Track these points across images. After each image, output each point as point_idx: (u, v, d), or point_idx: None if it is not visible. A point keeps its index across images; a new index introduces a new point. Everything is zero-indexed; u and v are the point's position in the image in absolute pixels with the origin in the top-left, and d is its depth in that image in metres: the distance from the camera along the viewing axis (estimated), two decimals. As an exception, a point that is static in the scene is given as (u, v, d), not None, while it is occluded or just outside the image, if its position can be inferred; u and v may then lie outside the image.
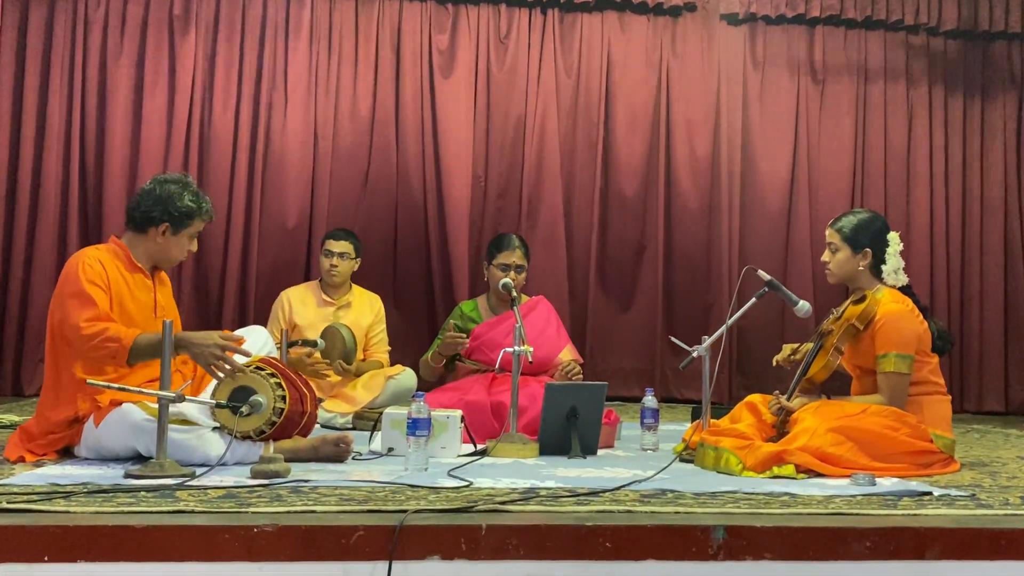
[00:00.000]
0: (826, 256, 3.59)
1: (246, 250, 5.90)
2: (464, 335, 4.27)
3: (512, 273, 4.32)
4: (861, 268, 3.50)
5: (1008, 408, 6.31)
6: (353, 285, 4.88)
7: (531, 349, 3.60)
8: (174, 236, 3.24)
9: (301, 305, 4.77)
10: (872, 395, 3.39)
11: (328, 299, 4.79)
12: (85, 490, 2.46)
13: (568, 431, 3.47)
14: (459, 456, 3.36)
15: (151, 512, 2.21)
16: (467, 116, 6.08)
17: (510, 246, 4.40)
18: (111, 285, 3.12)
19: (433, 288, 6.05)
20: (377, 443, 3.44)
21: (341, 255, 4.77)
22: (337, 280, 4.77)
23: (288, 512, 2.24)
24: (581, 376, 4.23)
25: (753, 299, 3.60)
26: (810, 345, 3.55)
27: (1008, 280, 6.41)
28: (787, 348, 3.71)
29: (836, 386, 3.60)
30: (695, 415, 4.63)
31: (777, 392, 3.45)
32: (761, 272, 3.63)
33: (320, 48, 6.01)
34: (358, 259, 4.87)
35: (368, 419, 4.18)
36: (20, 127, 5.76)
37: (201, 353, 2.94)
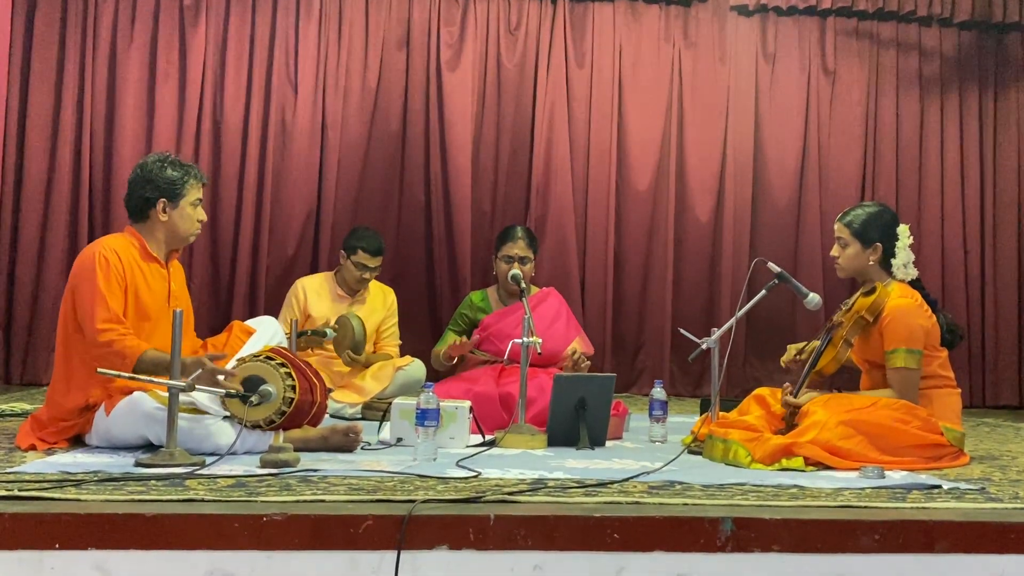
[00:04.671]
0: (835, 251, 3.57)
1: (256, 239, 5.91)
2: (464, 338, 4.25)
3: (516, 264, 4.32)
4: (871, 263, 3.49)
5: (1022, 402, 6.29)
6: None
7: (540, 340, 3.60)
8: (175, 210, 3.23)
9: (316, 296, 4.77)
10: (883, 389, 3.38)
11: (343, 293, 4.78)
12: (96, 478, 2.48)
13: (576, 422, 3.48)
14: (468, 447, 3.36)
15: (161, 500, 2.22)
16: (476, 108, 6.08)
17: (513, 238, 4.42)
18: (126, 276, 3.13)
19: (435, 279, 6.04)
20: (386, 433, 3.45)
21: (375, 269, 4.74)
22: (362, 288, 4.77)
23: (297, 501, 2.24)
24: (589, 366, 4.23)
25: (763, 291, 3.59)
26: (815, 344, 3.53)
27: (1022, 272, 6.39)
28: (792, 349, 3.70)
29: (844, 379, 3.60)
30: (704, 407, 4.64)
31: (786, 385, 3.44)
32: (771, 264, 3.62)
33: (330, 39, 6.01)
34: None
35: (377, 409, 4.20)
36: (31, 118, 5.77)
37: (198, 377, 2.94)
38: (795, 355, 3.63)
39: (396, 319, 4.89)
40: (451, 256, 6.03)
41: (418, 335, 5.70)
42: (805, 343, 3.68)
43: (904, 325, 3.33)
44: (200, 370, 2.91)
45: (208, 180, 3.39)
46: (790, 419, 3.31)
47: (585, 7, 6.23)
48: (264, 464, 2.74)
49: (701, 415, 3.95)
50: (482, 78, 6.12)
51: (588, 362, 4.25)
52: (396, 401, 3.52)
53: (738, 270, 6.17)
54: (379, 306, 4.84)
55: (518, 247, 4.38)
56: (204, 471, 2.64)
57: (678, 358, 6.14)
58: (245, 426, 2.98)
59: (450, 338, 4.49)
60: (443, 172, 6.04)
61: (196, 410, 2.99)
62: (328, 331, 4.43)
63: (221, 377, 2.96)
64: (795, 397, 3.34)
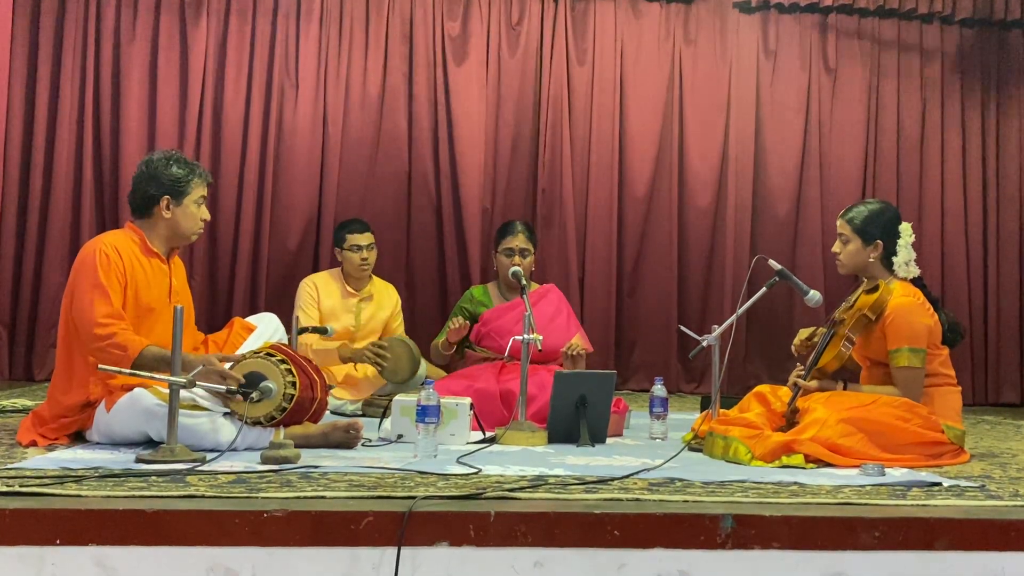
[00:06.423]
0: (837, 247, 3.57)
1: (257, 236, 5.91)
2: (466, 321, 4.26)
3: (517, 257, 4.32)
4: (872, 260, 3.49)
5: (1024, 400, 6.31)
6: (373, 275, 4.86)
7: (540, 337, 3.61)
8: (179, 207, 3.23)
9: (326, 293, 4.75)
10: (887, 387, 3.37)
11: (351, 290, 4.76)
12: (96, 474, 2.48)
13: (577, 419, 3.48)
14: (468, 443, 3.37)
15: (162, 496, 2.22)
16: (479, 103, 6.08)
17: (513, 231, 4.42)
18: (127, 272, 3.13)
19: (445, 274, 6.05)
20: (387, 430, 3.45)
21: (369, 247, 4.73)
22: (367, 272, 4.76)
23: (298, 498, 2.25)
24: (583, 355, 4.23)
25: (764, 288, 3.59)
26: (824, 330, 3.54)
27: (1024, 271, 6.41)
28: (803, 332, 3.69)
29: (852, 375, 3.59)
30: (704, 404, 4.64)
31: (798, 366, 3.45)
32: (772, 261, 3.62)
33: (331, 34, 6.01)
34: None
35: (378, 406, 4.20)
36: (33, 114, 5.77)
37: (206, 374, 2.94)
38: (806, 338, 3.63)
39: (401, 316, 4.92)
40: (460, 252, 6.03)
41: (429, 332, 5.68)
42: (815, 328, 3.67)
43: (907, 324, 3.33)
44: (201, 366, 2.91)
45: (212, 179, 3.38)
46: (791, 416, 3.31)
47: (586, 4, 6.23)
48: (265, 460, 2.74)
49: (701, 412, 3.95)
50: (484, 73, 6.11)
51: (582, 352, 4.24)
52: (397, 398, 3.52)
53: (739, 267, 6.17)
54: (386, 303, 4.85)
55: (518, 240, 4.38)
56: (205, 467, 2.64)
57: (679, 355, 6.14)
58: (246, 422, 2.98)
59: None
60: (452, 168, 6.04)
61: (197, 406, 2.99)
62: (329, 328, 4.43)
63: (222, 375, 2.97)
64: (805, 381, 3.35)
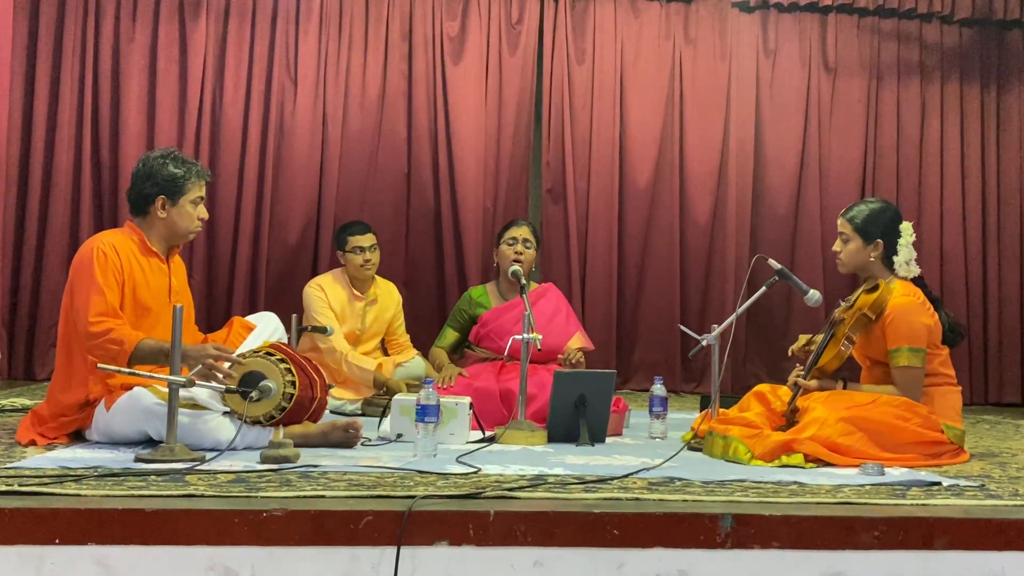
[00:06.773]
0: (837, 246, 3.57)
1: (256, 236, 5.90)
2: (451, 377, 4.21)
3: (520, 246, 4.31)
4: (872, 259, 3.49)
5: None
6: (375, 276, 4.86)
7: (540, 336, 3.61)
8: (174, 207, 3.22)
9: (333, 297, 4.72)
10: (887, 386, 3.37)
11: (358, 294, 4.74)
12: (96, 474, 2.48)
13: (577, 419, 3.48)
14: (468, 443, 3.37)
15: (161, 496, 2.22)
16: (479, 103, 6.08)
17: (517, 223, 4.44)
18: (124, 270, 3.12)
19: (444, 273, 6.05)
20: (386, 429, 3.45)
21: (371, 248, 4.72)
22: (370, 274, 4.75)
23: (297, 497, 2.25)
24: (582, 362, 4.23)
25: (763, 288, 3.59)
26: (823, 336, 3.54)
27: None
28: (803, 338, 3.69)
29: (852, 374, 3.59)
30: (704, 404, 4.64)
31: (798, 366, 3.45)
32: (772, 261, 3.62)
33: (330, 33, 6.01)
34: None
35: (378, 405, 4.20)
36: (32, 115, 5.76)
37: (197, 361, 2.93)
38: (804, 344, 3.63)
39: (403, 314, 4.93)
40: (457, 251, 6.03)
41: (428, 331, 5.69)
42: (812, 335, 3.67)
43: (907, 324, 3.33)
44: (200, 365, 2.91)
45: (211, 177, 3.37)
46: (791, 416, 3.31)
47: (586, 3, 6.23)
48: (264, 460, 2.74)
49: (701, 412, 3.95)
50: (484, 72, 6.11)
51: (583, 360, 4.24)
52: (396, 397, 3.53)
53: (739, 266, 6.17)
54: (389, 304, 4.86)
55: (522, 231, 4.37)
56: (204, 467, 2.64)
57: (679, 354, 6.14)
58: (245, 422, 2.98)
59: (448, 335, 4.49)
60: (451, 167, 6.04)
61: (196, 406, 2.99)
62: (329, 328, 4.43)
63: (227, 365, 2.96)
64: (805, 380, 3.35)
